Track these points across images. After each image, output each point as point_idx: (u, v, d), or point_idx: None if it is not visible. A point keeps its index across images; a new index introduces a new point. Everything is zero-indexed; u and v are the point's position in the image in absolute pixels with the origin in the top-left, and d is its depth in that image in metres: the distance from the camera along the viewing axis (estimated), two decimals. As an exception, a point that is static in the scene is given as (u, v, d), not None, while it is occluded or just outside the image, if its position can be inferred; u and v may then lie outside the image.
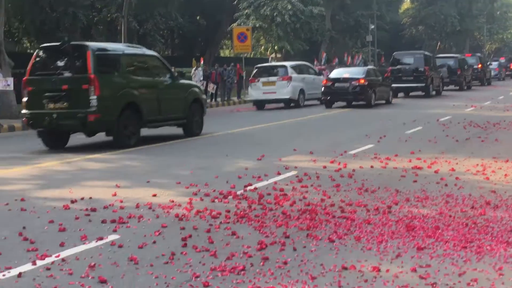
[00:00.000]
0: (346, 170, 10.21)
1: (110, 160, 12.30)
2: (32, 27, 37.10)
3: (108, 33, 38.59)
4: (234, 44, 37.48)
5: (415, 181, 9.15)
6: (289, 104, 27.37)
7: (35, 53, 14.51)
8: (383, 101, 27.60)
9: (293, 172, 10.07)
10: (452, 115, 20.39)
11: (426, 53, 34.78)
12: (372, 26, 54.99)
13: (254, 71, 28.49)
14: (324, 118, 21.39)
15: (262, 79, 27.31)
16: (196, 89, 16.98)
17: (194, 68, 32.28)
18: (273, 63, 32.91)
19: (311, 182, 9.14)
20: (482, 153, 11.97)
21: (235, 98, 33.45)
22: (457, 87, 38.50)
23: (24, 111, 14.23)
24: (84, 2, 36.41)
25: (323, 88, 26.51)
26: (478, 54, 51.76)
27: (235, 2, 44.97)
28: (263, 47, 51.26)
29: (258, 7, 44.07)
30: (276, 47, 47.86)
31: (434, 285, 4.78)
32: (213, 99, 32.11)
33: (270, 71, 28.26)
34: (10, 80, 21.43)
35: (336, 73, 27.93)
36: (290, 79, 27.01)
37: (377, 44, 57.86)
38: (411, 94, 33.18)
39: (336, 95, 26.07)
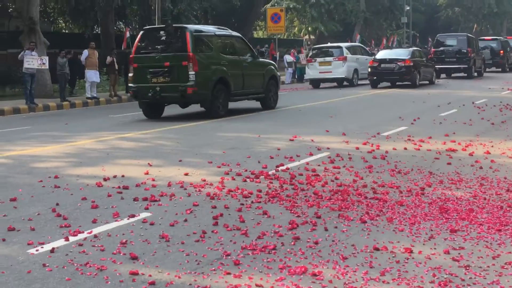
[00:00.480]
0: (379, 151, 10.12)
1: (143, 139, 12.35)
2: (67, 7, 37.31)
3: (142, 13, 38.63)
4: (268, 25, 37.31)
5: (449, 164, 9.02)
6: (342, 83, 29.29)
7: (140, 35, 16.52)
8: (427, 82, 28.04)
9: (325, 153, 10.01)
10: (488, 98, 20.07)
11: (469, 35, 34.81)
12: (408, 8, 54.25)
13: (311, 52, 30.83)
14: (364, 99, 21.18)
15: (319, 59, 29.34)
16: (273, 67, 18.80)
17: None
18: (329, 44, 33.27)
19: (343, 163, 9.08)
20: (519, 136, 11.77)
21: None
22: (499, 69, 38.10)
23: (130, 84, 16.50)
24: (118, -18, 36.48)
25: (369, 69, 27.27)
26: None
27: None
28: (296, 28, 50.96)
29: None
30: (310, 29, 47.54)
31: (468, 268, 4.71)
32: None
33: (326, 52, 30.10)
34: (46, 59, 21.59)
35: (382, 54, 28.85)
36: (345, 59, 28.86)
37: (412, 26, 57.10)
38: (453, 75, 33.04)
39: (382, 75, 26.88)
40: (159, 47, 15.95)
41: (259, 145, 11.20)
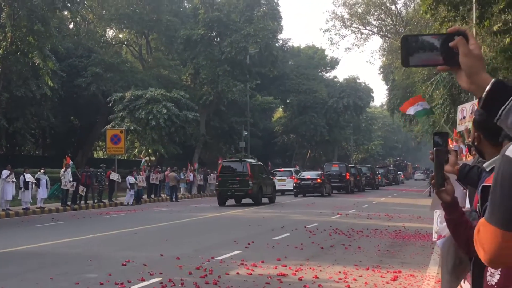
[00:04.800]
0: (212, 276, 10.14)
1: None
2: None
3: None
4: (108, 145, 37.13)
5: (279, 289, 9.21)
6: None
7: (220, 164, 32.87)
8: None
9: (158, 278, 9.87)
10: (319, 222, 20.92)
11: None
12: (246, 133, 56.41)
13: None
14: (202, 222, 21.28)
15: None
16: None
17: (63, 170, 31.45)
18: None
19: (175, 290, 8.99)
20: (345, 260, 12.29)
21: (106, 201, 32.73)
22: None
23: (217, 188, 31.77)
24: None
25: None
26: (369, 165, 64.30)
27: (110, 104, 44.87)
28: (137, 149, 51.07)
29: (133, 110, 44.09)
30: (150, 150, 47.82)
31: None
32: (83, 201, 31.30)
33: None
34: None
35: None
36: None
37: (250, 150, 59.21)
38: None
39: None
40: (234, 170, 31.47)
41: (89, 271, 10.83)
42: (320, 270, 10.97)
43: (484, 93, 1.85)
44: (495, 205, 1.75)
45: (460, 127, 12.99)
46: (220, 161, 38.58)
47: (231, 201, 31.70)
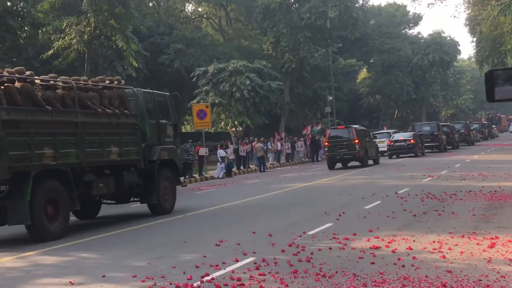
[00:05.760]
0: (304, 253, 10.16)
1: (65, 254, 12.06)
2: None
3: None
4: (194, 121, 37.65)
5: (372, 263, 9.14)
6: None
7: (328, 132, 34.57)
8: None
9: (251, 258, 9.99)
10: (410, 186, 20.58)
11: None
12: (330, 98, 56.00)
13: None
14: (291, 193, 21.39)
15: None
16: None
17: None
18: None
19: (269, 269, 9.07)
20: (439, 228, 12.06)
21: (196, 175, 33.36)
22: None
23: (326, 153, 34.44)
24: None
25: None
26: (463, 122, 64.95)
27: (194, 79, 45.45)
28: (223, 122, 51.62)
29: (217, 83, 44.53)
30: (236, 122, 48.24)
31: None
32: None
33: None
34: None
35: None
36: None
37: (336, 114, 58.80)
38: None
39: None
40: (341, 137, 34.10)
41: (185, 252, 11.09)
42: (414, 241, 10.81)
43: None
44: None
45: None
46: (306, 130, 39.80)
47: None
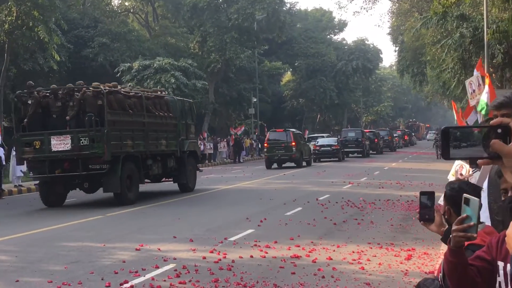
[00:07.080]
0: (225, 261, 10.12)
1: None
2: None
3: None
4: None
5: (293, 273, 9.18)
6: None
7: (267, 133, 38.09)
8: None
9: (172, 265, 9.87)
10: (331, 193, 20.81)
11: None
12: (255, 99, 56.22)
13: None
14: (211, 196, 21.31)
15: None
16: None
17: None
18: None
19: (189, 277, 8.98)
20: (358, 238, 12.24)
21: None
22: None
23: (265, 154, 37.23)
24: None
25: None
26: (387, 129, 68.74)
27: (118, 75, 44.71)
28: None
29: (142, 80, 43.94)
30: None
31: None
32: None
33: None
34: None
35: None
36: None
37: (260, 116, 59.10)
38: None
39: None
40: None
41: (103, 256, 10.86)
42: (334, 250, 10.94)
43: None
44: None
45: (472, 102, 12.82)
46: (233, 130, 41.11)
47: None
